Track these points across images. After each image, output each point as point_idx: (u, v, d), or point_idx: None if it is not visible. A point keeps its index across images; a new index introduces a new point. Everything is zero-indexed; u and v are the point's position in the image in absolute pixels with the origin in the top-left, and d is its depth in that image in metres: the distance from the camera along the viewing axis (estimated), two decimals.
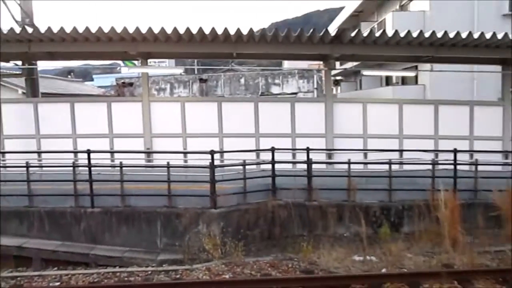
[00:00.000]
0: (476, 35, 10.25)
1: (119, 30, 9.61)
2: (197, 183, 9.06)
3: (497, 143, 11.81)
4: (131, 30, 9.64)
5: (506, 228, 8.43)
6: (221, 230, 8.65)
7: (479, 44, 10.79)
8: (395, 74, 19.40)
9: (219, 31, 9.82)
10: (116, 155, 10.71)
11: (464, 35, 10.18)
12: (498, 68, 12.54)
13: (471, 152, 11.16)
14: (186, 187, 9.26)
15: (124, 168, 9.41)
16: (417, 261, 7.40)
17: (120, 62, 34.70)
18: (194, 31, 9.78)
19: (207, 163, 8.96)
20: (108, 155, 10.92)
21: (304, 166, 9.84)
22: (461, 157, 10.11)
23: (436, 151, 11.06)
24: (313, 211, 9.27)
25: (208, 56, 13.39)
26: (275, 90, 25.30)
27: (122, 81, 27.75)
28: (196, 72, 28.87)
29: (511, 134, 11.83)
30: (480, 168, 10.02)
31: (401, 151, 11.18)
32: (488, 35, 10.22)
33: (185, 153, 11.06)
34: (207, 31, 9.79)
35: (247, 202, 9.38)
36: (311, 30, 10.05)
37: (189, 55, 13.95)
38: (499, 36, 10.23)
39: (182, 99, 16.13)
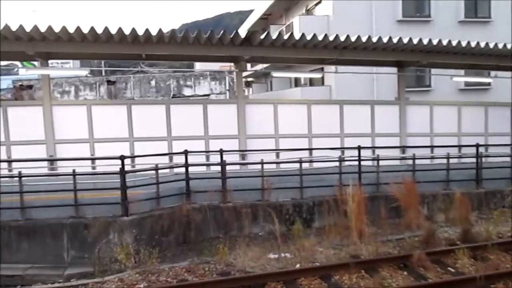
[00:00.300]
0: (374, 39, 11.02)
1: (14, 28, 8.85)
2: (107, 191, 8.64)
3: (395, 139, 12.82)
4: (28, 28, 8.94)
5: (405, 217, 9.17)
6: (134, 238, 8.33)
7: (377, 48, 11.62)
8: (303, 75, 20.17)
9: (127, 31, 9.48)
10: (14, 164, 9.82)
11: (364, 39, 10.90)
12: (394, 69, 13.60)
13: (373, 148, 11.96)
14: (95, 195, 8.77)
15: (23, 178, 8.67)
16: (328, 254, 7.75)
17: (17, 63, 31.96)
18: (100, 30, 9.33)
19: (118, 169, 8.58)
20: (5, 165, 9.99)
21: (218, 168, 9.85)
22: (364, 153, 10.77)
23: (342, 149, 11.70)
24: (228, 213, 9.30)
25: (116, 57, 12.88)
26: (187, 92, 25.00)
27: (20, 83, 25.55)
28: (103, 73, 27.55)
29: (406, 131, 12.94)
30: (381, 163, 10.77)
31: (310, 149, 11.68)
32: (385, 39, 11.05)
33: (92, 159, 10.50)
34: (113, 31, 9.39)
35: (161, 207, 9.13)
36: (222, 32, 10.10)
37: (96, 56, 13.27)
38: (395, 40, 11.13)
39: (88, 102, 15.30)
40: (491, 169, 11.38)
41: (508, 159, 11.92)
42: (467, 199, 9.22)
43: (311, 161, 11.25)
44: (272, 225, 8.56)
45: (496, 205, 10.84)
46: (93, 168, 10.37)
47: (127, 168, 8.89)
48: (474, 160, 11.34)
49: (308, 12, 22.26)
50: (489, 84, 18.95)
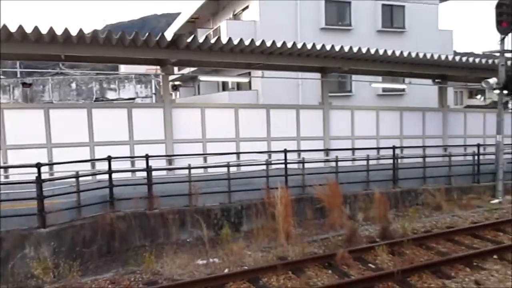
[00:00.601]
0: (299, 45, 11.38)
1: None
2: (22, 201, 8.04)
3: (319, 142, 13.29)
4: None
5: (329, 217, 9.53)
6: (52, 251, 7.83)
7: (302, 54, 12.01)
8: (230, 79, 20.29)
9: (44, 31, 8.94)
10: None
11: (289, 45, 11.22)
12: (318, 75, 14.10)
13: (298, 151, 12.29)
14: (8, 206, 8.12)
15: None
16: (256, 257, 7.80)
17: None
18: (13, 29, 8.70)
19: (34, 177, 8.02)
20: None
21: (144, 174, 9.57)
22: (290, 156, 11.04)
23: (269, 152, 11.89)
24: (154, 220, 9.05)
25: (33, 57, 12.05)
26: (111, 95, 24.02)
27: None
28: (18, 75, 25.68)
29: (329, 134, 13.47)
30: (306, 165, 11.09)
31: (238, 153, 11.74)
32: (309, 46, 11.45)
33: (5, 167, 9.74)
34: (29, 30, 8.80)
35: (82, 217, 8.68)
36: (147, 34, 9.90)
37: (9, 56, 12.31)
38: (318, 47, 11.57)
39: (0, 105, 14.15)
40: (406, 170, 12.19)
41: (420, 159, 12.82)
42: (385, 198, 9.79)
43: (238, 165, 11.31)
44: (200, 230, 8.49)
45: (411, 203, 11.64)
46: (6, 177, 9.63)
47: (44, 176, 8.35)
48: (391, 161, 12.06)
49: (235, 17, 22.43)
50: (403, 90, 20.35)
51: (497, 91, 12.47)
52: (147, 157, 9.67)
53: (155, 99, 23.49)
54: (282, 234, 8.47)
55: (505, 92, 12.40)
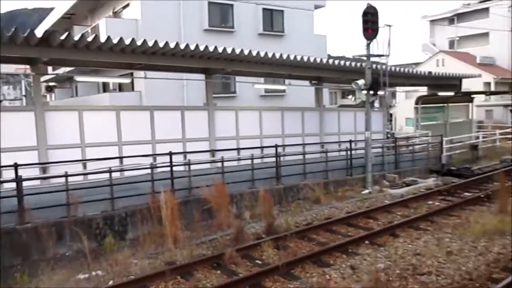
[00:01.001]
0: (182, 46, 11.31)
1: None
2: None
3: (205, 143, 13.35)
4: None
5: (217, 218, 9.62)
6: None
7: (186, 54, 11.97)
8: (111, 80, 19.36)
9: None
10: None
11: (172, 45, 11.10)
12: (202, 76, 14.15)
13: (184, 153, 12.17)
14: None
15: None
16: (143, 265, 7.58)
17: None
18: None
19: None
20: None
21: (14, 184, 8.61)
22: (176, 158, 10.87)
23: (153, 155, 11.59)
24: (26, 235, 8.14)
25: None
26: None
27: None
28: None
29: (215, 135, 13.63)
30: (192, 167, 11.02)
31: (120, 158, 11.24)
32: (192, 47, 11.46)
33: None
34: None
35: None
36: (13, 29, 9.00)
37: None
38: (201, 48, 11.62)
39: None
40: (288, 167, 12.80)
41: (301, 156, 13.58)
42: (270, 195, 10.11)
43: (122, 170, 10.82)
44: (81, 242, 7.94)
45: (293, 198, 12.26)
46: None
47: None
48: (274, 159, 12.57)
49: (116, 14, 21.47)
50: (284, 91, 21.44)
51: (365, 92, 13.76)
52: (16, 166, 8.71)
53: (26, 102, 21.40)
54: (169, 238, 8.33)
55: (371, 92, 13.74)
